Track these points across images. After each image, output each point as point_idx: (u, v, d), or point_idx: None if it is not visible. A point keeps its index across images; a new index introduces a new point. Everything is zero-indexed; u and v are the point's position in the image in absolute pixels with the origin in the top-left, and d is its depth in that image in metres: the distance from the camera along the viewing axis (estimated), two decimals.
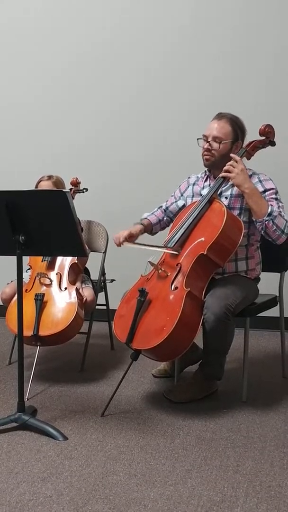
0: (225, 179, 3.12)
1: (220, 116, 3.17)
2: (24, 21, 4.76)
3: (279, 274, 3.47)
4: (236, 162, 3.04)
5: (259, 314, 3.28)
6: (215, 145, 3.13)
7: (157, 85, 4.60)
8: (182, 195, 3.39)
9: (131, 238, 3.24)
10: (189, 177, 3.42)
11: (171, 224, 3.33)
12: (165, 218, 3.46)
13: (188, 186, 3.37)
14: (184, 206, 3.36)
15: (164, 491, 2.31)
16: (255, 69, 4.41)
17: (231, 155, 3.08)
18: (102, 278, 3.89)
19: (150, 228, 3.43)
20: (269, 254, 3.32)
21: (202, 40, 4.49)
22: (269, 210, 3.00)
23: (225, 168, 3.07)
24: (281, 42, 4.38)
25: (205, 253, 2.95)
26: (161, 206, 3.48)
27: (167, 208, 3.45)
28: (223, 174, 3.08)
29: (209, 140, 3.14)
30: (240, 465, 2.51)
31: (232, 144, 3.15)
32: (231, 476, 2.42)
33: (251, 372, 3.35)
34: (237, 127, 3.15)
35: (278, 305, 3.46)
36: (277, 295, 3.45)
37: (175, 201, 3.42)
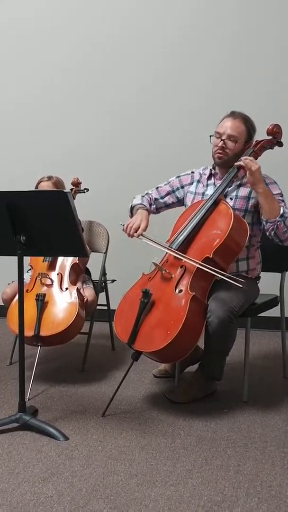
0: (237, 174, 3.08)
1: (234, 115, 3.14)
2: (24, 21, 4.75)
3: (280, 274, 3.47)
4: (247, 159, 2.97)
5: (260, 314, 3.28)
6: (230, 144, 3.10)
7: (157, 85, 4.60)
8: (182, 187, 3.32)
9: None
10: (193, 172, 3.34)
11: (175, 223, 3.23)
12: (152, 206, 3.34)
13: (193, 182, 3.30)
14: (182, 199, 3.32)
15: (164, 491, 2.31)
16: (255, 69, 4.41)
17: (242, 158, 3.01)
18: (103, 279, 3.89)
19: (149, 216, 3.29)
20: (270, 254, 3.32)
21: (202, 40, 4.49)
22: (282, 211, 2.99)
23: (242, 160, 2.97)
24: (281, 42, 4.38)
25: (211, 256, 2.93)
26: (149, 193, 3.35)
27: (161, 197, 3.34)
28: (239, 163, 2.98)
29: (223, 138, 3.11)
30: (241, 465, 2.51)
31: (245, 144, 3.13)
32: (232, 476, 2.42)
33: (252, 372, 3.35)
34: (250, 127, 3.14)
35: (279, 305, 3.46)
36: (278, 295, 3.45)
37: (172, 191, 3.33)
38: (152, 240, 3.09)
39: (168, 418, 2.96)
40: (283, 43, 4.38)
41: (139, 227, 3.14)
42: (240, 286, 2.87)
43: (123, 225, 3.17)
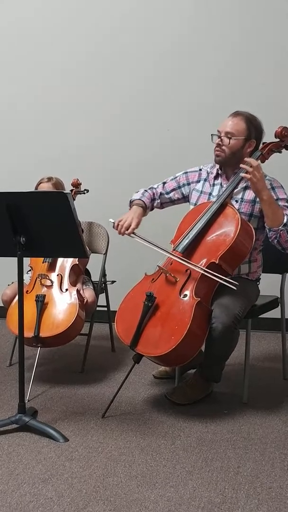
0: (242, 180, 3.05)
1: (236, 114, 3.12)
2: (24, 21, 4.74)
3: (280, 275, 3.47)
4: (252, 166, 2.91)
5: (260, 316, 3.28)
6: (226, 140, 3.06)
7: (157, 86, 4.60)
8: (189, 184, 3.28)
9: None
10: (200, 170, 3.29)
11: (179, 224, 3.18)
12: (156, 201, 3.30)
13: (200, 180, 3.26)
14: (187, 196, 3.28)
15: (164, 492, 2.31)
16: (255, 69, 4.41)
17: (246, 159, 2.96)
18: (103, 280, 3.89)
19: (145, 213, 3.26)
20: (271, 255, 3.31)
21: (202, 40, 4.49)
22: (285, 220, 2.96)
23: (243, 170, 2.94)
24: (281, 42, 4.37)
25: (217, 262, 2.91)
26: (154, 188, 3.31)
27: (166, 193, 3.29)
28: (244, 175, 2.94)
29: (221, 135, 3.08)
30: (241, 467, 2.51)
31: (245, 141, 3.08)
32: (232, 478, 2.42)
33: (252, 373, 3.34)
34: (251, 126, 3.08)
35: (279, 306, 3.46)
36: (278, 296, 3.45)
37: (178, 187, 3.29)
38: (144, 239, 3.04)
39: (168, 420, 2.96)
40: (283, 43, 4.37)
41: (130, 225, 3.10)
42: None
43: (113, 222, 3.13)
